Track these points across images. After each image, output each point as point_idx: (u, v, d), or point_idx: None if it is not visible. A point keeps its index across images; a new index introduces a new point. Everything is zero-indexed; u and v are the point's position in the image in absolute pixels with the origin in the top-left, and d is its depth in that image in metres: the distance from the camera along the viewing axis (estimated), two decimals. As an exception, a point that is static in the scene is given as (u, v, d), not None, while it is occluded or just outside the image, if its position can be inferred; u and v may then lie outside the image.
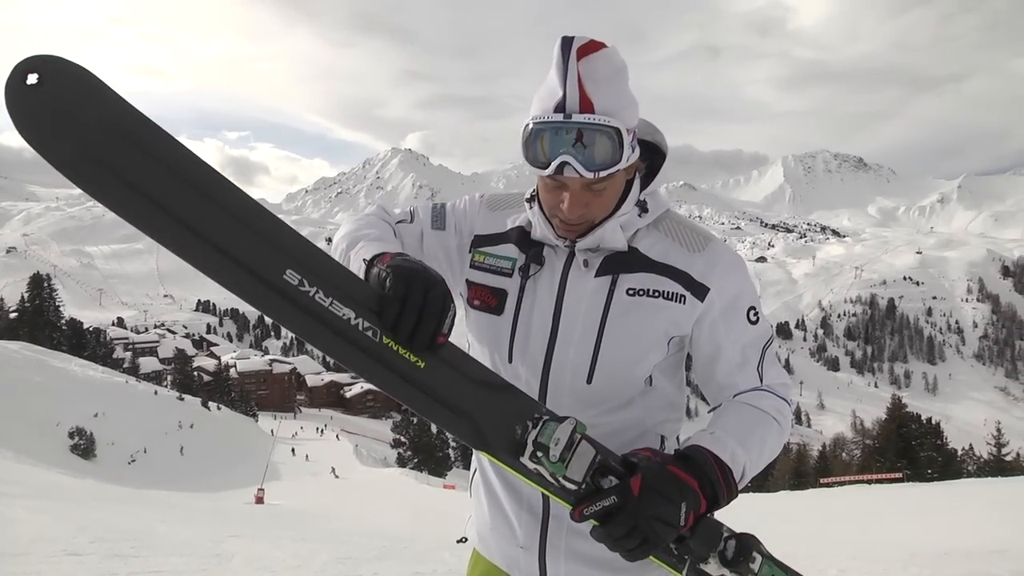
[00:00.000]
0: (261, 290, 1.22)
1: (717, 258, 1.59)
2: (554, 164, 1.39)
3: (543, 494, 1.52)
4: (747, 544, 1.38)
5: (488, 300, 1.63)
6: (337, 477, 40.31)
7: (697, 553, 1.34)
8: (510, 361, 1.58)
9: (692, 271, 1.56)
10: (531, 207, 1.62)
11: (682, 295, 1.55)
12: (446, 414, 1.33)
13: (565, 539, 1.60)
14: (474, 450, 1.47)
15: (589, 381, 1.52)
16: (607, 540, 1.26)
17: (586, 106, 1.37)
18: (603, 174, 1.40)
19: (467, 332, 1.70)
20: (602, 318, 1.53)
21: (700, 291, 1.55)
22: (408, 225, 1.75)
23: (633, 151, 1.45)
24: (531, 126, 1.41)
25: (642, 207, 1.59)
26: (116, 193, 1.17)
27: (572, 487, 1.27)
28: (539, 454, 1.26)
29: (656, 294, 1.54)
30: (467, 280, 1.68)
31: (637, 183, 1.59)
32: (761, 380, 1.58)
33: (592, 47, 1.38)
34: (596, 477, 1.29)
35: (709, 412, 1.59)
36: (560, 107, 1.38)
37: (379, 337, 1.28)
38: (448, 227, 1.73)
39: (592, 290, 1.55)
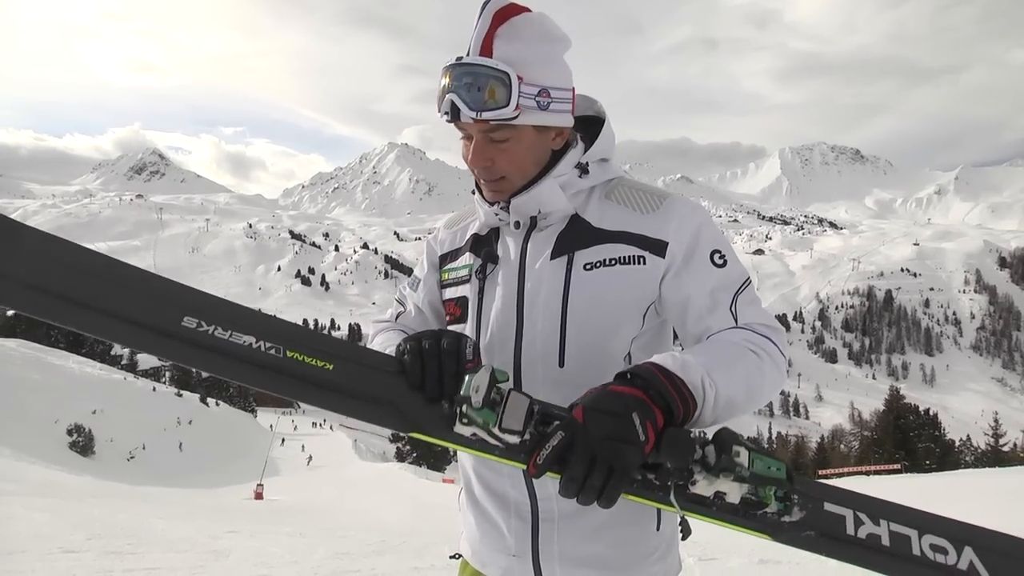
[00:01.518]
0: (164, 341, 1.28)
1: (673, 211, 1.53)
2: (444, 104, 1.41)
3: (530, 499, 1.55)
4: (725, 440, 1.25)
5: (454, 311, 1.65)
6: (309, 467, 40.11)
7: (676, 472, 1.26)
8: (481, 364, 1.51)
9: (647, 231, 1.51)
10: (475, 194, 1.67)
11: (640, 256, 1.49)
12: (367, 407, 1.34)
13: (557, 543, 1.56)
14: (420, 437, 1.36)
15: (561, 364, 1.48)
16: (573, 487, 1.14)
17: (485, 52, 1.39)
18: (486, 115, 1.38)
19: None
20: (563, 298, 1.49)
21: (658, 247, 1.49)
22: (404, 313, 1.80)
23: (543, 109, 1.43)
24: (441, 73, 1.44)
25: (583, 169, 1.57)
26: (18, 296, 1.22)
27: (515, 440, 1.24)
28: (465, 409, 1.25)
29: (613, 262, 1.49)
30: (443, 299, 1.71)
31: (579, 148, 1.58)
32: (736, 321, 1.46)
33: (513, 10, 1.41)
34: (540, 427, 1.26)
35: None
36: (467, 52, 1.43)
37: (283, 353, 1.32)
38: (423, 276, 1.78)
39: (549, 273, 1.52)
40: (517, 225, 1.58)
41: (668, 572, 1.64)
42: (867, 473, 42.44)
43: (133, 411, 42.30)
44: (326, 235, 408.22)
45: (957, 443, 55.87)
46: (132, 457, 37.17)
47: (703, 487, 1.26)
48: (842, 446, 71.06)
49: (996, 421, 50.58)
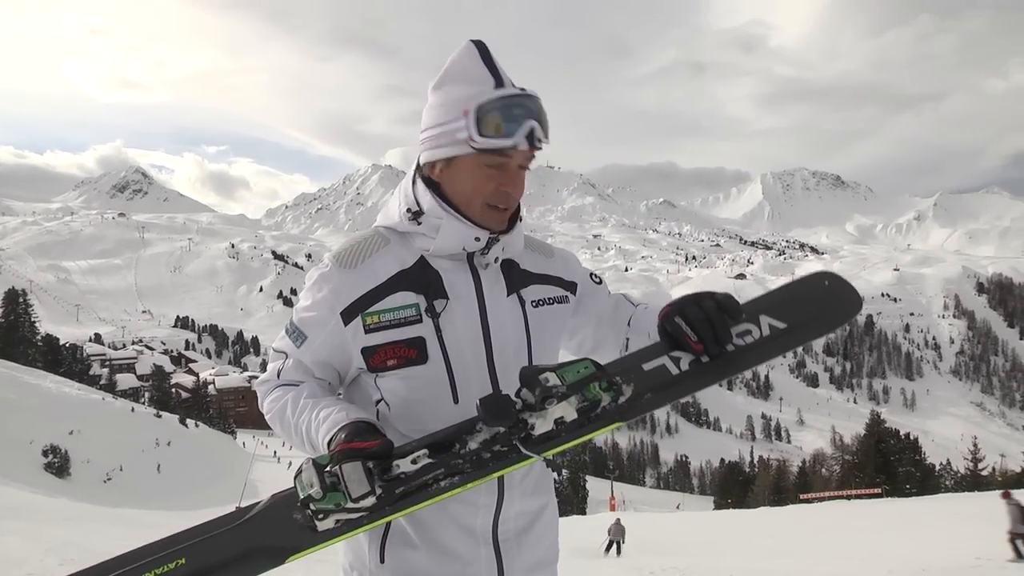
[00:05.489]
0: None
1: (567, 256, 1.91)
2: (523, 129, 1.49)
3: (494, 526, 1.67)
4: (530, 376, 1.40)
5: (406, 353, 1.58)
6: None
7: (514, 429, 1.41)
8: (456, 402, 1.59)
9: (560, 273, 1.83)
10: (418, 221, 1.64)
11: (564, 296, 1.81)
12: (237, 568, 1.39)
13: (518, 557, 1.71)
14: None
15: None
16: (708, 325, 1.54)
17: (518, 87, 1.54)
18: (544, 145, 1.55)
19: (381, 399, 1.64)
20: (526, 333, 1.68)
21: (572, 287, 1.85)
22: (289, 367, 1.70)
23: None
24: (493, 99, 1.49)
25: None
26: None
27: (371, 501, 1.31)
28: (314, 507, 1.31)
29: (552, 301, 1.77)
30: (364, 348, 1.60)
31: None
32: (635, 304, 1.92)
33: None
34: (540, 396, 1.41)
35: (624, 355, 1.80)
36: (502, 84, 1.53)
37: None
38: (309, 331, 1.65)
39: (509, 310, 1.67)
40: (472, 259, 1.66)
41: None
42: (848, 497, 42.52)
43: (111, 432, 41.68)
44: (309, 256, 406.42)
45: (937, 467, 56.18)
46: (109, 479, 36.58)
47: (542, 425, 1.37)
48: (823, 470, 71.20)
49: (975, 445, 50.93)
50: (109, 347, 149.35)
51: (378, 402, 1.64)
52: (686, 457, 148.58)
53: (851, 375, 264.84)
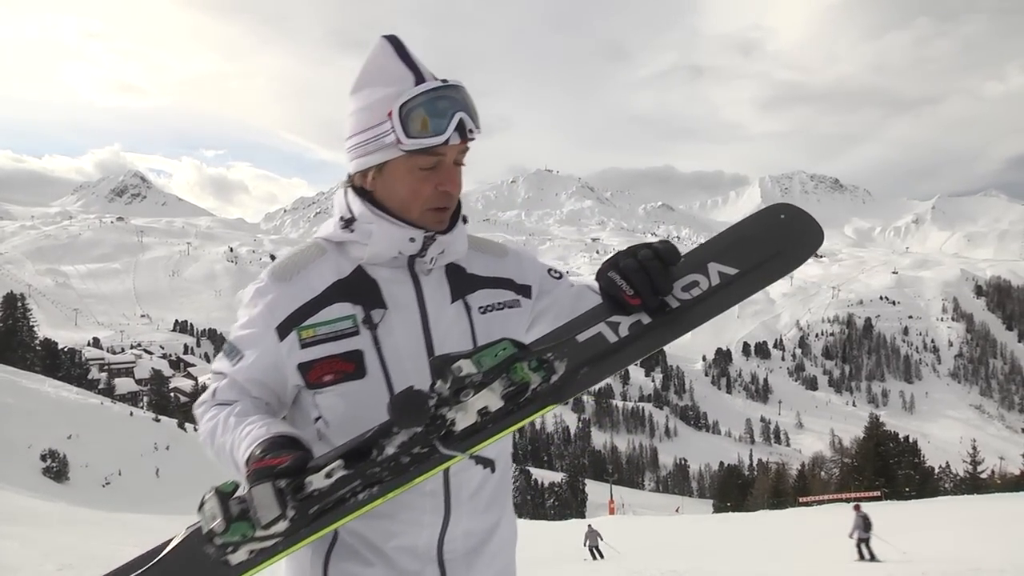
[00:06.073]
0: None
1: (519, 257, 1.80)
2: (454, 122, 1.43)
3: (439, 544, 1.59)
4: (441, 367, 1.29)
5: (343, 368, 1.51)
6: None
7: (431, 428, 1.29)
8: None
9: (512, 275, 1.74)
10: (350, 229, 1.58)
11: (516, 300, 1.72)
12: None
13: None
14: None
15: None
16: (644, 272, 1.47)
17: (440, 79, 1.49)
18: (476, 134, 1.49)
19: (320, 417, 1.55)
20: (473, 343, 1.58)
21: (526, 290, 1.75)
22: (225, 385, 1.60)
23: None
24: (416, 96, 1.43)
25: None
26: None
27: (283, 525, 1.22)
28: (222, 540, 1.22)
29: (501, 306, 1.68)
30: (300, 364, 1.52)
31: None
32: (589, 288, 1.82)
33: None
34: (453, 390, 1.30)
35: None
36: (423, 79, 1.47)
37: None
38: (245, 348, 1.57)
39: (454, 318, 1.59)
40: (412, 265, 1.59)
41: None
42: (847, 500, 42.50)
43: (109, 436, 41.64)
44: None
45: (936, 470, 56.16)
46: (108, 483, 36.57)
47: (464, 418, 1.26)
48: (823, 473, 71.16)
49: (974, 448, 50.94)
50: (108, 351, 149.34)
51: (317, 419, 1.55)
52: (685, 460, 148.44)
53: (850, 378, 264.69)
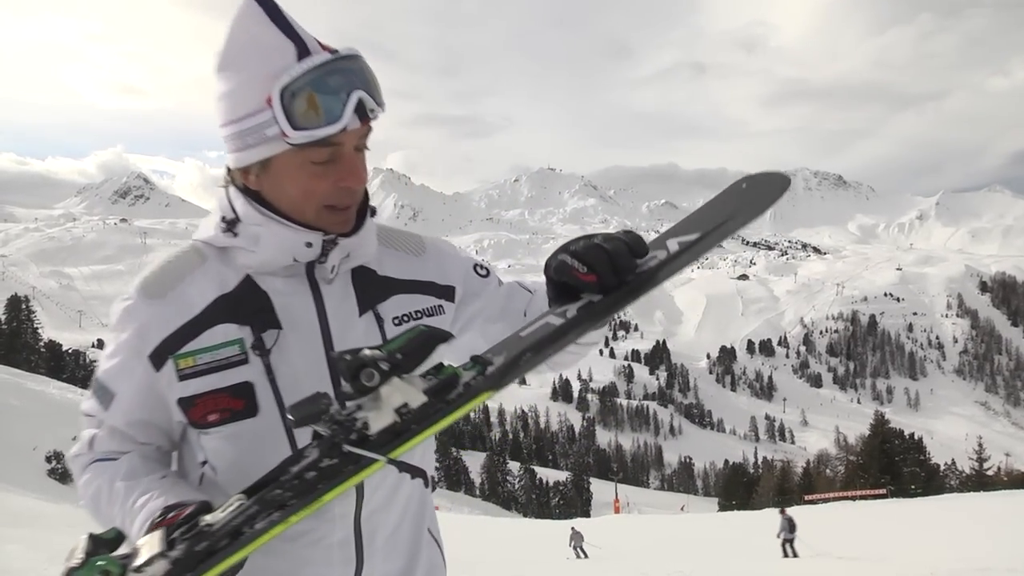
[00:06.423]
0: None
1: (439, 252, 1.55)
2: (351, 103, 1.18)
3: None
4: (347, 364, 1.02)
5: (231, 405, 1.27)
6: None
7: (337, 432, 1.05)
8: None
9: (432, 276, 1.49)
10: (234, 232, 1.31)
11: (438, 305, 1.48)
12: None
13: None
14: None
15: None
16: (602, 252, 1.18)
17: (328, 49, 1.22)
18: (379, 113, 1.25)
19: (207, 462, 1.32)
20: None
21: (449, 293, 1.50)
22: (101, 436, 1.37)
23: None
24: (301, 74, 1.16)
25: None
26: None
27: (163, 567, 1.01)
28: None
29: (419, 315, 1.44)
30: (181, 400, 1.28)
31: None
32: (531, 291, 1.58)
33: None
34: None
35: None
36: (307, 50, 1.20)
37: None
38: (116, 384, 1.32)
39: (363, 334, 1.35)
40: (312, 272, 1.34)
41: None
42: (853, 498, 42.44)
43: (114, 438, 41.69)
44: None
45: (942, 467, 56.12)
46: (112, 485, 36.58)
47: (379, 417, 1.05)
48: (828, 471, 71.13)
49: (980, 445, 50.88)
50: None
51: (203, 464, 1.32)
52: (690, 459, 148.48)
53: (854, 375, 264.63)
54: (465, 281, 1.54)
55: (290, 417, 1.03)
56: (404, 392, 1.03)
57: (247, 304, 1.29)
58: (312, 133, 1.16)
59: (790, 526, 18.79)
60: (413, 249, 1.51)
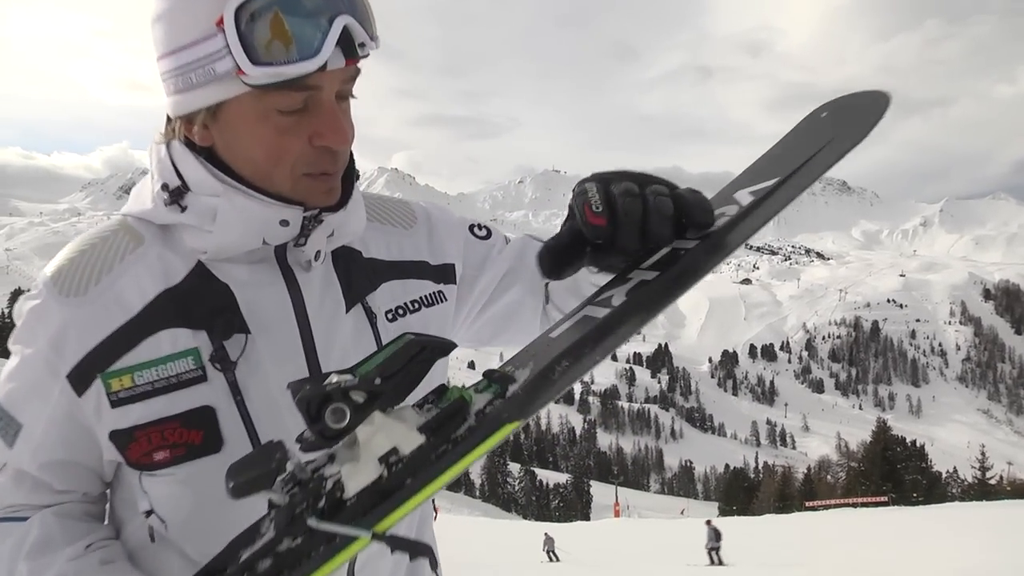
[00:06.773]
0: None
1: (431, 219, 1.25)
2: (331, 34, 0.83)
3: None
4: (302, 396, 0.68)
5: (186, 439, 0.94)
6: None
7: (295, 499, 0.69)
8: None
9: (425, 255, 1.20)
10: (180, 205, 0.96)
11: (437, 291, 1.18)
12: None
13: None
14: None
15: None
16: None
17: None
18: (370, 50, 0.91)
19: (152, 512, 0.99)
20: None
21: (449, 274, 1.21)
22: (37, 508, 1.00)
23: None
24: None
25: None
26: None
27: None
28: None
29: (417, 305, 1.15)
30: (115, 433, 0.95)
31: None
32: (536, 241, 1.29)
33: None
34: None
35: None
36: None
37: None
38: (23, 413, 0.98)
39: (352, 335, 1.06)
40: (284, 256, 1.02)
41: None
42: (854, 505, 42.28)
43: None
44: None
45: (944, 475, 55.97)
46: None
47: (355, 473, 0.69)
48: (829, 477, 70.98)
49: (983, 454, 50.68)
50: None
51: (148, 514, 0.99)
52: (691, 462, 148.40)
53: (857, 381, 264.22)
54: (465, 253, 1.25)
55: (229, 485, 0.67)
56: (390, 432, 0.69)
57: (202, 301, 0.97)
58: (279, 71, 0.83)
59: (716, 536, 19.64)
60: (402, 220, 1.21)
